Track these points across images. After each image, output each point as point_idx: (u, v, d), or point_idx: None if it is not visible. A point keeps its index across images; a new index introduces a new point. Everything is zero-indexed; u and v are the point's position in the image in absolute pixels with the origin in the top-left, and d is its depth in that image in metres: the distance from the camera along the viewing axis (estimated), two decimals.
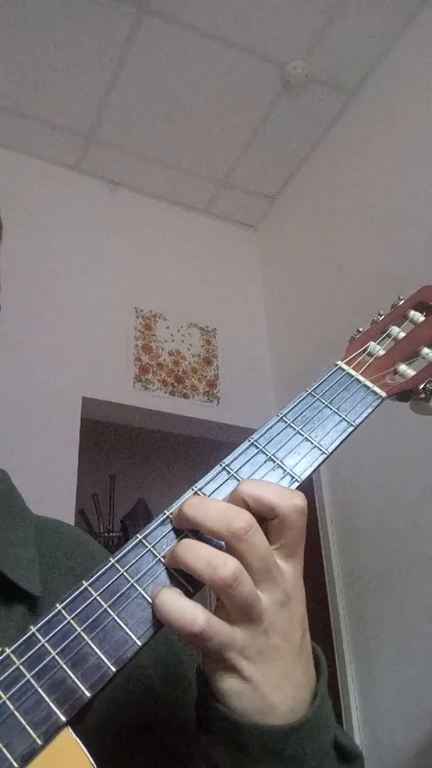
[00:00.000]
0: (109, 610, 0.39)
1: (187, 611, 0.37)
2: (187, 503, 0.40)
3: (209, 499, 0.41)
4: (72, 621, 0.38)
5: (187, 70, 2.48)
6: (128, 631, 0.38)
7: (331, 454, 0.46)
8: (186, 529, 0.41)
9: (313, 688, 0.41)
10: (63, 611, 0.38)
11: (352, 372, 0.51)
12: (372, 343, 0.54)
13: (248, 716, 0.38)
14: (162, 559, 0.40)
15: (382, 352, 0.54)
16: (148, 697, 0.51)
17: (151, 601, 0.39)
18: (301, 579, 0.41)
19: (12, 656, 0.37)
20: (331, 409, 0.49)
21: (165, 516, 0.42)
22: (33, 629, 0.38)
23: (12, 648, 0.37)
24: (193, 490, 0.43)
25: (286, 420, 0.48)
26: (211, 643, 0.37)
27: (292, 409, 0.48)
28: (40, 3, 2.24)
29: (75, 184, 2.85)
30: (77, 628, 0.38)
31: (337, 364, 0.52)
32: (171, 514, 0.42)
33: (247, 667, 0.38)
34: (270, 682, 0.38)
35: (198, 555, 0.38)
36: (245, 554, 0.37)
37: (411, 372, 0.53)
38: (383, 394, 0.50)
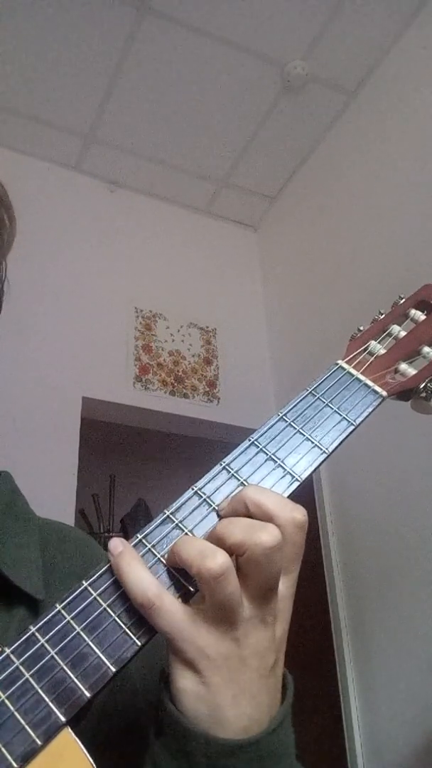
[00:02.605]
0: (108, 610, 0.38)
1: (142, 580, 0.37)
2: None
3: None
4: (71, 621, 0.38)
5: (187, 70, 2.48)
6: (128, 631, 0.38)
7: (331, 453, 0.46)
8: (182, 525, 0.41)
9: (273, 715, 0.39)
10: (62, 611, 0.38)
11: (353, 371, 0.51)
12: (373, 342, 0.54)
13: (199, 723, 0.37)
14: (162, 559, 0.40)
15: (382, 351, 0.54)
16: (133, 703, 0.50)
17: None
18: (292, 599, 0.40)
19: (12, 656, 0.37)
20: (332, 408, 0.49)
21: (165, 516, 0.42)
22: (32, 629, 0.38)
23: (11, 648, 0.37)
24: (193, 489, 0.43)
25: (287, 419, 0.47)
26: (160, 622, 0.37)
27: (292, 408, 0.48)
28: (40, 3, 2.24)
29: (75, 184, 2.85)
30: (77, 627, 0.38)
31: (337, 363, 0.52)
32: (171, 513, 0.42)
33: (210, 671, 0.37)
34: (228, 693, 0.37)
35: (191, 545, 0.38)
36: (253, 575, 0.38)
37: (412, 371, 0.52)
38: (384, 393, 0.50)
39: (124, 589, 0.38)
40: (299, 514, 0.39)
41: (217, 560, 0.36)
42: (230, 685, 0.37)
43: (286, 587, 0.40)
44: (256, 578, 0.37)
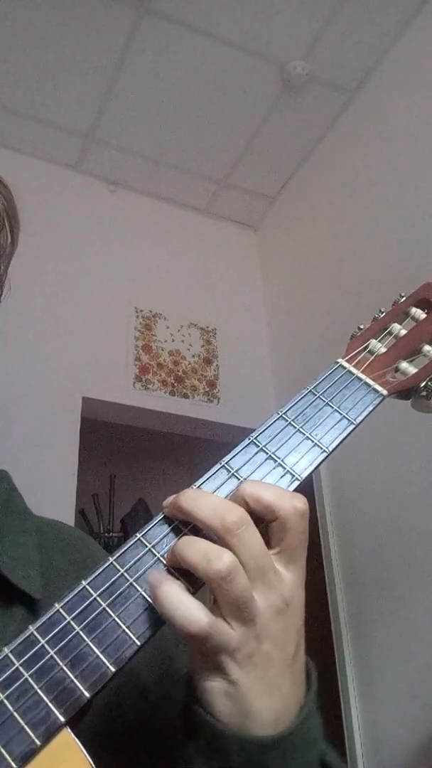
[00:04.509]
0: (108, 609, 0.38)
1: (191, 610, 0.36)
2: (183, 495, 0.40)
3: (205, 493, 0.41)
4: (71, 621, 0.38)
5: (187, 70, 2.48)
6: (127, 630, 0.38)
7: (331, 452, 0.46)
8: (178, 520, 0.41)
9: (301, 703, 0.40)
10: (62, 611, 0.38)
11: (353, 370, 0.51)
12: (373, 341, 0.54)
13: (229, 723, 0.37)
14: (161, 558, 0.40)
15: (383, 350, 0.53)
16: (141, 699, 0.50)
17: (150, 596, 0.38)
18: (302, 588, 0.40)
19: (11, 656, 0.37)
20: (332, 407, 0.48)
21: (164, 515, 0.42)
22: (32, 629, 0.38)
23: (11, 648, 0.37)
24: (193, 488, 0.43)
25: (287, 418, 0.47)
26: (209, 644, 0.36)
27: (292, 407, 0.48)
28: (40, 3, 2.24)
29: (75, 184, 2.85)
30: (76, 627, 0.38)
31: (338, 362, 0.52)
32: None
33: (235, 670, 0.37)
34: (256, 689, 0.37)
35: (195, 547, 0.37)
36: (237, 550, 0.37)
37: (412, 370, 0.52)
38: (384, 392, 0.50)
39: (168, 620, 0.37)
40: (300, 502, 0.39)
41: (224, 561, 0.36)
42: (256, 680, 0.37)
43: (293, 575, 0.39)
44: (242, 559, 0.37)
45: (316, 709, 0.41)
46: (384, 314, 0.57)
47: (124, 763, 0.47)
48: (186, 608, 0.36)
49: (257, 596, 0.37)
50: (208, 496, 0.40)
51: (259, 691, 0.37)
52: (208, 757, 0.38)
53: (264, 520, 0.39)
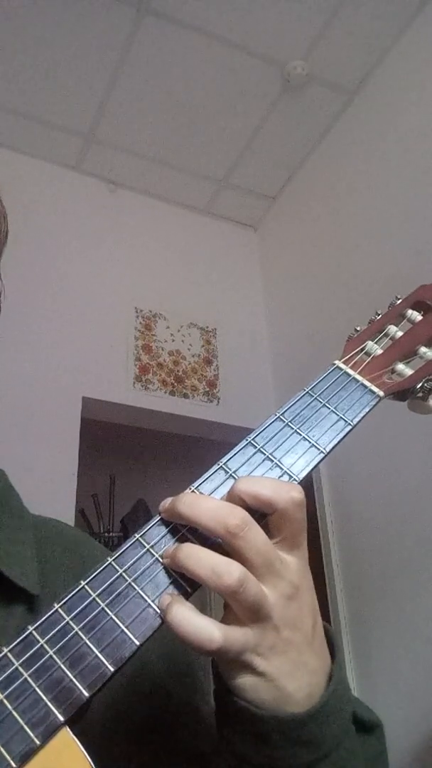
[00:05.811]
0: (107, 609, 0.38)
1: (203, 630, 0.36)
2: (180, 500, 0.40)
3: (203, 497, 0.41)
4: (70, 621, 0.38)
5: (187, 70, 2.48)
6: (126, 630, 0.38)
7: (329, 453, 0.46)
8: (179, 524, 0.41)
9: (328, 672, 0.41)
10: (61, 611, 0.38)
11: (350, 371, 0.51)
12: (369, 343, 0.54)
13: (266, 706, 0.38)
14: (160, 559, 0.40)
15: (379, 351, 0.54)
16: (157, 693, 0.51)
17: (157, 609, 0.39)
18: (308, 568, 0.41)
19: (10, 656, 0.37)
20: (329, 408, 0.49)
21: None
22: (31, 629, 0.38)
23: (10, 647, 0.37)
24: (190, 489, 0.43)
25: (284, 419, 0.47)
26: (228, 655, 0.37)
27: (289, 408, 0.48)
28: (40, 3, 2.24)
29: (75, 184, 2.85)
30: (75, 627, 0.38)
31: (334, 364, 0.52)
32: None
33: (260, 663, 0.38)
34: (283, 673, 0.38)
35: (201, 562, 0.38)
36: (243, 551, 0.37)
37: (409, 371, 0.53)
38: (381, 393, 0.50)
39: (183, 642, 0.37)
40: (296, 492, 0.40)
41: (234, 575, 0.36)
42: (283, 666, 0.38)
43: (297, 559, 0.40)
44: (249, 558, 0.38)
45: (343, 674, 0.42)
46: (380, 316, 0.58)
47: (137, 760, 0.47)
48: (198, 630, 0.36)
49: (268, 590, 0.38)
50: (206, 500, 0.40)
51: (287, 675, 0.38)
52: (247, 738, 0.39)
53: (264, 515, 0.40)
